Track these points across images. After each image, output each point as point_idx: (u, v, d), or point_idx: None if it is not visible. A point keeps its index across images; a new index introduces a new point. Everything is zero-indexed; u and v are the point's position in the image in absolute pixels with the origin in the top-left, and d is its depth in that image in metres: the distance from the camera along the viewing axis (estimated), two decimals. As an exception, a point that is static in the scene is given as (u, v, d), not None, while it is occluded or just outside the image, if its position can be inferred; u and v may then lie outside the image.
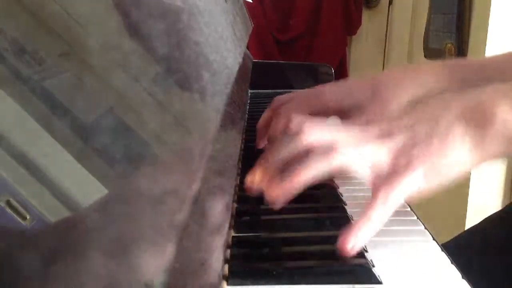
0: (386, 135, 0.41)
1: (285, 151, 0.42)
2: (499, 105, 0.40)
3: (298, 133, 0.42)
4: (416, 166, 0.39)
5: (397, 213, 0.47)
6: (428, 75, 0.56)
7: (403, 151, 0.40)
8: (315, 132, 0.42)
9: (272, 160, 0.42)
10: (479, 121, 0.40)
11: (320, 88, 0.58)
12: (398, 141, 0.41)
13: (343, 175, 0.45)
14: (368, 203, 0.38)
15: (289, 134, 0.43)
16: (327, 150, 0.39)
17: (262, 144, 0.61)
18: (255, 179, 0.42)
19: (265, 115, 0.60)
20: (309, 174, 0.39)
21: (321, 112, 0.57)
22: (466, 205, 1.60)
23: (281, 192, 0.39)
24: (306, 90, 0.60)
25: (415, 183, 0.39)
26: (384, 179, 0.39)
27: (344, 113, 0.55)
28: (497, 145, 0.40)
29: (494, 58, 0.57)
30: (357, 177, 0.40)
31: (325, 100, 0.56)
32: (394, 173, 0.39)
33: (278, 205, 0.40)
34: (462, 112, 0.41)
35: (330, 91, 0.57)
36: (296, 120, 0.44)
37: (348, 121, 0.46)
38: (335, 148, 0.39)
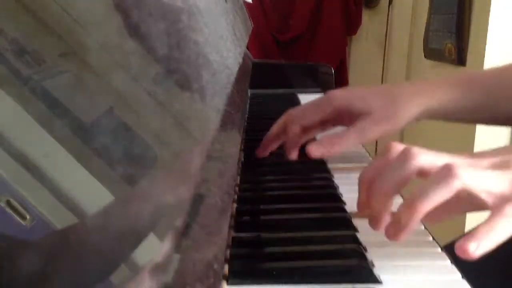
0: (502, 165, 0.38)
1: (394, 176, 0.38)
2: None
3: (406, 155, 0.38)
4: None
5: (397, 213, 0.47)
6: (442, 90, 0.56)
7: None
8: (426, 155, 0.38)
9: (382, 187, 0.38)
10: None
11: (332, 92, 0.58)
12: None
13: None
14: (494, 214, 0.36)
15: (393, 162, 0.39)
16: (445, 172, 0.36)
17: (265, 153, 0.60)
18: (369, 208, 0.39)
19: (277, 125, 0.60)
20: (430, 203, 0.35)
21: (333, 117, 0.57)
22: (466, 205, 1.60)
23: (403, 228, 0.36)
24: (317, 97, 0.60)
25: None
26: (508, 204, 0.36)
27: (351, 118, 0.56)
28: None
29: (506, 66, 0.58)
30: (476, 202, 0.37)
31: (337, 105, 0.56)
32: None
33: (402, 239, 0.37)
34: None
35: (342, 96, 0.57)
36: (398, 146, 0.40)
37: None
38: (454, 170, 0.36)
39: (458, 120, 0.61)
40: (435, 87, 0.57)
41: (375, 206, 0.39)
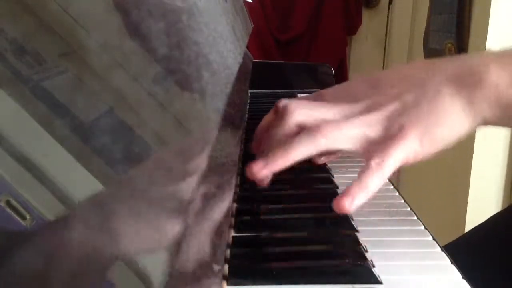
0: (373, 107, 0.41)
1: (274, 133, 0.43)
2: (488, 68, 0.40)
3: (285, 114, 0.43)
4: (408, 131, 0.39)
5: (397, 213, 0.47)
6: (424, 71, 0.55)
7: (392, 119, 0.40)
8: (301, 112, 0.42)
9: (264, 143, 0.44)
10: (468, 83, 0.40)
11: (322, 91, 0.58)
12: (386, 110, 0.40)
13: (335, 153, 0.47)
14: (362, 170, 0.38)
15: (278, 116, 0.44)
16: (313, 130, 0.40)
17: (258, 148, 0.60)
18: (256, 163, 0.43)
19: (266, 118, 0.60)
20: (294, 155, 0.40)
21: None
22: (466, 205, 1.60)
23: (265, 170, 0.40)
24: (308, 95, 0.60)
25: (410, 148, 0.39)
26: (376, 148, 0.39)
27: None
28: (489, 107, 0.39)
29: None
30: (349, 152, 0.41)
31: (326, 101, 0.56)
32: (387, 140, 0.39)
33: (262, 183, 0.41)
34: (450, 75, 0.40)
35: (330, 92, 0.57)
36: (283, 102, 0.44)
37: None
38: (320, 128, 0.40)
39: None
40: (415, 70, 0.51)
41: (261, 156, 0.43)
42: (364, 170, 0.38)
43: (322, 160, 0.55)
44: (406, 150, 0.38)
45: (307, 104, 0.44)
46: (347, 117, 0.41)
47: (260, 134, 0.60)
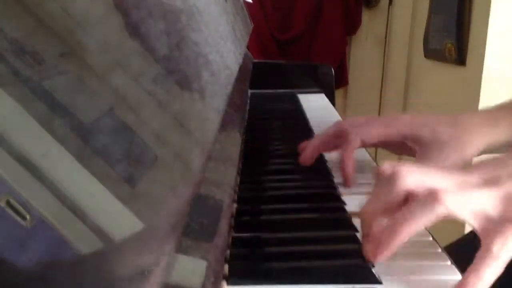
0: (491, 182, 0.37)
1: (382, 198, 0.38)
2: None
3: (394, 177, 0.38)
4: None
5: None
6: (506, 121, 0.54)
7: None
8: (414, 176, 0.38)
9: (370, 209, 0.39)
10: None
11: (397, 114, 0.57)
12: (507, 189, 0.36)
13: None
14: (479, 255, 0.34)
15: (382, 179, 0.39)
16: (430, 198, 0.35)
17: (312, 161, 0.58)
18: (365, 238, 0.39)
19: (327, 133, 0.58)
20: (412, 227, 0.35)
21: (395, 141, 0.56)
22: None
23: (380, 251, 0.36)
24: (380, 117, 0.58)
25: None
26: (495, 229, 0.35)
27: (421, 147, 0.54)
28: None
29: None
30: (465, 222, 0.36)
31: (405, 128, 0.55)
32: (507, 222, 0.35)
33: (380, 260, 0.37)
34: None
35: (408, 121, 0.55)
36: (388, 164, 0.39)
37: (436, 166, 0.43)
38: (439, 195, 0.35)
39: None
40: (499, 118, 0.55)
41: (363, 227, 0.39)
42: (483, 255, 0.34)
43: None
44: None
45: (418, 170, 0.39)
46: (463, 188, 0.37)
47: (316, 149, 0.57)
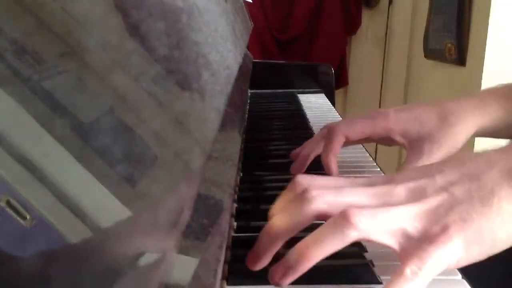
0: (415, 197, 0.35)
1: (291, 223, 0.35)
2: None
3: (304, 197, 0.35)
4: (453, 234, 0.32)
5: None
6: (494, 105, 0.54)
7: (436, 215, 0.33)
8: (326, 197, 0.35)
9: (277, 232, 0.36)
10: None
11: (381, 110, 0.56)
12: (430, 204, 0.34)
13: None
14: (394, 277, 0.32)
15: (294, 192, 0.37)
16: (341, 221, 0.33)
17: (302, 169, 0.57)
18: (259, 254, 0.36)
19: (316, 138, 0.58)
20: (322, 252, 0.33)
21: (381, 136, 0.55)
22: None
23: (287, 273, 0.34)
24: (364, 115, 0.57)
25: (453, 254, 0.32)
26: (414, 249, 0.32)
27: (410, 142, 0.54)
28: None
29: None
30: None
31: (389, 123, 0.55)
32: (426, 242, 0.32)
33: (285, 285, 0.34)
34: (507, 171, 0.34)
35: (395, 115, 0.55)
36: (302, 181, 0.37)
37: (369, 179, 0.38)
38: (350, 219, 0.32)
39: (510, 136, 0.57)
40: (487, 102, 0.54)
41: (260, 244, 0.36)
42: (396, 276, 0.32)
43: None
44: (448, 255, 0.32)
45: (332, 185, 0.36)
46: (384, 203, 0.34)
47: (305, 158, 0.55)
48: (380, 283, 0.36)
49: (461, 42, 1.75)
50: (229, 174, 0.46)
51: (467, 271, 0.37)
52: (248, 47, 1.12)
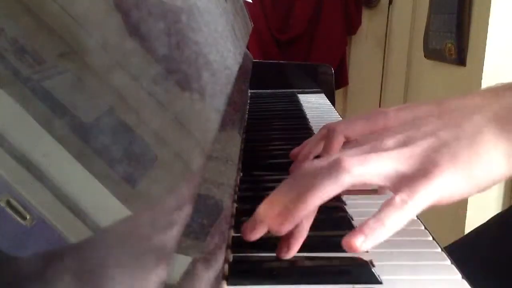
0: (404, 143, 0.37)
1: (292, 177, 0.37)
2: None
3: (331, 134, 0.38)
4: (444, 167, 0.34)
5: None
6: (493, 102, 0.54)
7: (426, 156, 0.35)
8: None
9: (277, 191, 0.37)
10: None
11: (383, 109, 0.56)
12: (418, 148, 0.36)
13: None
14: (385, 203, 0.34)
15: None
16: (332, 168, 0.34)
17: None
18: (261, 212, 0.37)
19: (316, 138, 0.57)
20: (316, 197, 0.34)
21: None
22: (466, 205, 1.60)
23: (286, 219, 0.35)
24: (365, 114, 0.58)
25: (444, 186, 0.34)
26: (408, 181, 0.34)
27: None
28: None
29: None
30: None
31: (389, 122, 0.52)
32: (419, 176, 0.34)
33: (283, 232, 0.35)
34: (494, 114, 0.37)
35: (395, 114, 0.53)
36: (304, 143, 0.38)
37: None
38: (342, 163, 0.34)
39: None
40: (485, 100, 0.52)
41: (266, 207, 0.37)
42: (385, 205, 0.33)
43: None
44: (439, 189, 0.34)
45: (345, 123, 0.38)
46: (374, 151, 0.36)
47: (303, 159, 0.55)
48: (380, 283, 0.36)
49: (461, 42, 1.74)
50: (229, 174, 0.46)
51: (468, 272, 0.37)
52: (248, 47, 1.12)
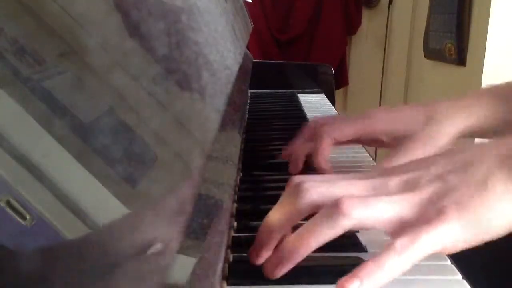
0: (409, 187, 0.35)
1: (287, 209, 0.36)
2: None
3: (298, 189, 0.35)
4: (449, 214, 0.32)
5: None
6: (481, 104, 0.53)
7: (432, 201, 0.33)
8: (320, 187, 0.35)
9: (273, 225, 0.36)
10: None
11: (369, 111, 0.57)
12: (425, 191, 0.34)
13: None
14: (385, 247, 0.32)
15: (289, 191, 0.37)
16: (334, 209, 0.33)
17: (297, 170, 0.57)
18: (259, 248, 0.37)
19: (302, 136, 0.58)
20: (315, 241, 0.33)
21: (369, 138, 0.56)
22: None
23: (281, 264, 0.34)
24: (352, 116, 0.57)
25: (449, 234, 0.32)
26: (408, 229, 0.32)
27: (396, 141, 0.54)
28: None
29: None
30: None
31: (374, 125, 0.55)
32: (422, 223, 0.32)
33: (278, 276, 0.35)
34: (505, 157, 0.34)
35: (381, 116, 0.55)
36: (296, 178, 0.37)
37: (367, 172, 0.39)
38: (343, 206, 0.33)
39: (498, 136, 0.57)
40: (474, 102, 0.54)
41: (259, 239, 0.37)
42: (386, 248, 0.32)
43: None
44: (443, 236, 0.32)
45: (326, 179, 0.37)
46: (377, 194, 0.35)
47: (298, 154, 0.55)
48: (380, 283, 0.36)
49: (461, 42, 1.75)
50: (229, 174, 0.46)
51: (468, 272, 0.37)
52: (248, 47, 1.12)
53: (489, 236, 0.33)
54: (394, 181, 0.35)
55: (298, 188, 0.36)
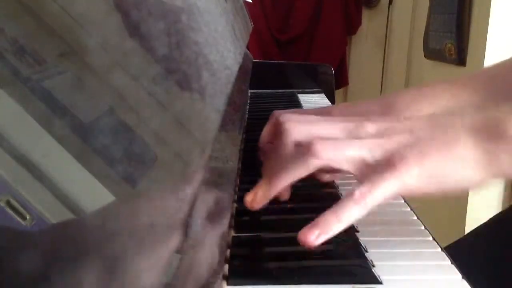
0: (380, 135, 0.38)
1: (274, 156, 0.42)
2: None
3: (281, 133, 0.41)
4: (410, 164, 0.35)
5: (397, 213, 0.47)
6: (444, 93, 0.54)
7: (398, 149, 0.36)
8: (299, 130, 0.40)
9: (265, 167, 0.42)
10: (491, 135, 0.36)
11: (328, 107, 0.57)
12: (394, 139, 0.37)
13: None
14: (346, 195, 0.35)
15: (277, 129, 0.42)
16: (305, 150, 0.37)
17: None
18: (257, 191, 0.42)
19: (266, 130, 0.57)
20: (284, 179, 0.38)
21: None
22: (466, 206, 1.60)
23: (261, 199, 0.40)
24: (312, 109, 0.58)
25: (404, 182, 0.35)
26: (371, 173, 0.36)
27: None
28: (509, 163, 0.36)
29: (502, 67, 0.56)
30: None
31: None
32: (384, 167, 0.35)
33: (256, 208, 0.40)
34: (473, 124, 0.37)
35: (340, 111, 0.55)
36: (280, 117, 0.42)
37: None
38: (313, 147, 0.36)
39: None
40: (437, 91, 0.54)
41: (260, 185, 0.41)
42: (345, 198, 0.35)
43: (327, 178, 0.51)
44: (398, 183, 0.35)
45: (307, 120, 0.41)
46: (352, 136, 0.38)
47: (263, 146, 0.59)
48: (380, 283, 0.36)
49: (461, 42, 1.74)
50: (229, 174, 0.46)
51: (467, 272, 0.37)
52: (248, 47, 1.12)
53: (440, 190, 0.36)
54: (368, 127, 0.38)
55: (281, 127, 0.41)
